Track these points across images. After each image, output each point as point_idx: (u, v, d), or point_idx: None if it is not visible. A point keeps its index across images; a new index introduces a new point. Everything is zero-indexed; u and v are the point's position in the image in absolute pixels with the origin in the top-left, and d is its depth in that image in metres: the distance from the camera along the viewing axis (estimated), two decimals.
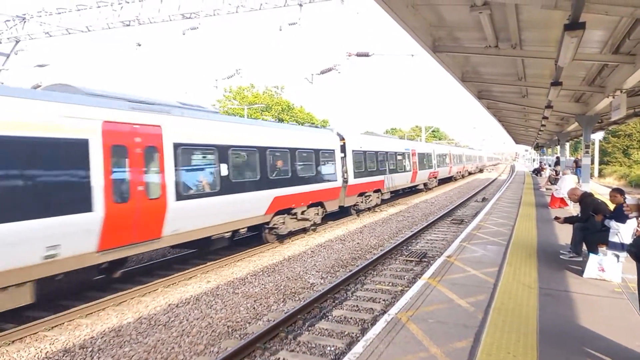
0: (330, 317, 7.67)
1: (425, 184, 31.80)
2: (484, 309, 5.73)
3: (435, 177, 34.19)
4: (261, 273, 10.65)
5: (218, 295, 9.03)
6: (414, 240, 14.15)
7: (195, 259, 12.06)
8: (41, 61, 25.24)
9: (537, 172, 39.70)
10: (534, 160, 72.13)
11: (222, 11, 23.07)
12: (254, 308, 8.24)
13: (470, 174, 57.75)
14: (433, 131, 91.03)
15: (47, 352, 6.54)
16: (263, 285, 9.60)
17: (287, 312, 7.58)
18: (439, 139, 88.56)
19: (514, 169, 76.06)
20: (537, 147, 50.82)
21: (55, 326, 7.57)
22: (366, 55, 22.16)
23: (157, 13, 23.45)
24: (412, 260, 11.27)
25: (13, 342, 6.95)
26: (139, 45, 28.51)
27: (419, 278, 7.55)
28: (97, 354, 6.40)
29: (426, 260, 11.27)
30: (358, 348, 4.60)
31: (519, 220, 13.16)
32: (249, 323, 7.52)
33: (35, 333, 7.28)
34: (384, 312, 7.55)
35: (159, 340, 6.80)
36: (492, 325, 5.16)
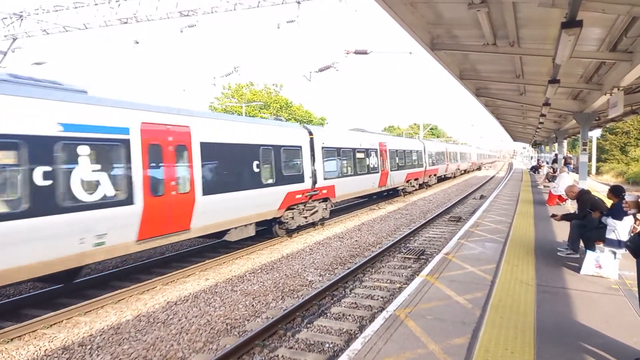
0: (328, 314, 7.69)
1: (277, 221, 13.77)
2: (481, 305, 5.76)
3: (327, 200, 16.18)
4: (259, 271, 10.66)
5: (217, 292, 9.05)
6: (412, 238, 14.18)
7: (193, 256, 12.08)
8: (38, 59, 25.13)
9: (535, 169, 39.82)
10: (531, 157, 72.14)
11: (220, 9, 23.04)
12: (253, 305, 8.25)
13: (444, 179, 40.38)
14: (431, 129, 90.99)
15: (46, 349, 6.55)
16: (262, 283, 9.62)
17: (286, 310, 7.60)
18: (437, 137, 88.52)
19: (511, 166, 76.23)
20: (535, 145, 50.94)
21: (54, 324, 7.57)
22: (364, 53, 22.12)
23: (154, 10, 23.41)
24: (410, 258, 11.30)
25: (12, 339, 6.95)
26: (137, 42, 28.49)
27: (417, 275, 7.58)
28: (96, 352, 6.42)
29: (424, 257, 11.30)
30: (356, 345, 4.62)
31: (516, 218, 13.20)
32: (248, 320, 7.54)
33: (34, 331, 7.28)
34: (382, 309, 7.58)
35: (157, 338, 6.81)
36: (490, 321, 5.19)
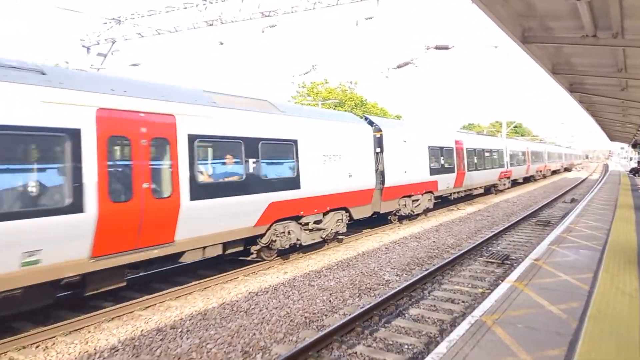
0: (406, 315, 7.57)
1: None
2: (578, 316, 5.35)
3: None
4: (336, 267, 10.76)
5: (295, 286, 9.26)
6: (494, 241, 13.51)
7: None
8: (134, 60, 27.16)
9: (636, 172, 36.27)
10: (630, 159, 65.61)
11: (300, 8, 23.47)
12: (330, 301, 8.34)
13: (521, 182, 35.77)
14: (515, 127, 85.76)
15: (142, 330, 7.10)
16: (338, 279, 9.69)
17: (363, 307, 7.59)
18: (521, 135, 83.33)
19: (607, 168, 69.98)
20: (636, 145, 46.22)
21: (148, 307, 8.21)
22: (446, 48, 21.33)
23: (238, 12, 24.41)
24: (494, 262, 10.77)
25: (112, 319, 7.63)
26: (222, 43, 29.90)
27: (502, 281, 7.22)
28: (186, 335, 6.85)
29: (509, 262, 10.71)
30: (441, 348, 4.50)
31: (615, 224, 12.08)
32: (326, 315, 7.63)
33: (132, 312, 7.94)
34: (464, 313, 7.31)
35: (241, 326, 7.12)
36: (588, 334, 4.80)
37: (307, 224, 11.44)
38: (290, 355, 5.77)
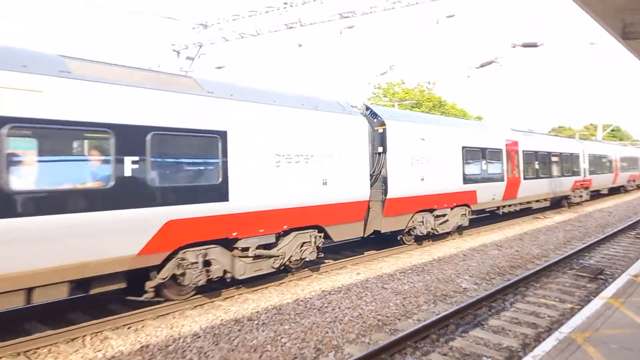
0: (485, 326, 7.22)
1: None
2: None
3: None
4: (410, 271, 10.55)
5: (367, 288, 9.22)
6: (586, 254, 12.46)
7: (345, 250, 12.54)
8: (219, 64, 28.62)
9: None
10: None
11: (379, 8, 23.33)
12: (403, 305, 8.19)
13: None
14: (612, 130, 78.18)
15: (222, 319, 7.47)
16: (412, 284, 9.50)
17: (439, 314, 7.37)
18: (620, 139, 75.72)
19: None
20: None
21: (227, 298, 8.62)
22: (534, 45, 19.99)
23: (317, 14, 24.81)
24: (585, 276, 9.93)
25: (195, 307, 8.11)
26: (300, 45, 30.57)
27: (595, 296, 6.65)
28: (262, 327, 7.09)
29: (603, 277, 9.82)
30: None
31: None
32: (399, 319, 7.51)
33: (212, 302, 8.39)
34: (550, 329, 6.82)
35: (314, 323, 7.22)
36: None
37: (246, 249, 8.44)
38: (363, 357, 5.75)
